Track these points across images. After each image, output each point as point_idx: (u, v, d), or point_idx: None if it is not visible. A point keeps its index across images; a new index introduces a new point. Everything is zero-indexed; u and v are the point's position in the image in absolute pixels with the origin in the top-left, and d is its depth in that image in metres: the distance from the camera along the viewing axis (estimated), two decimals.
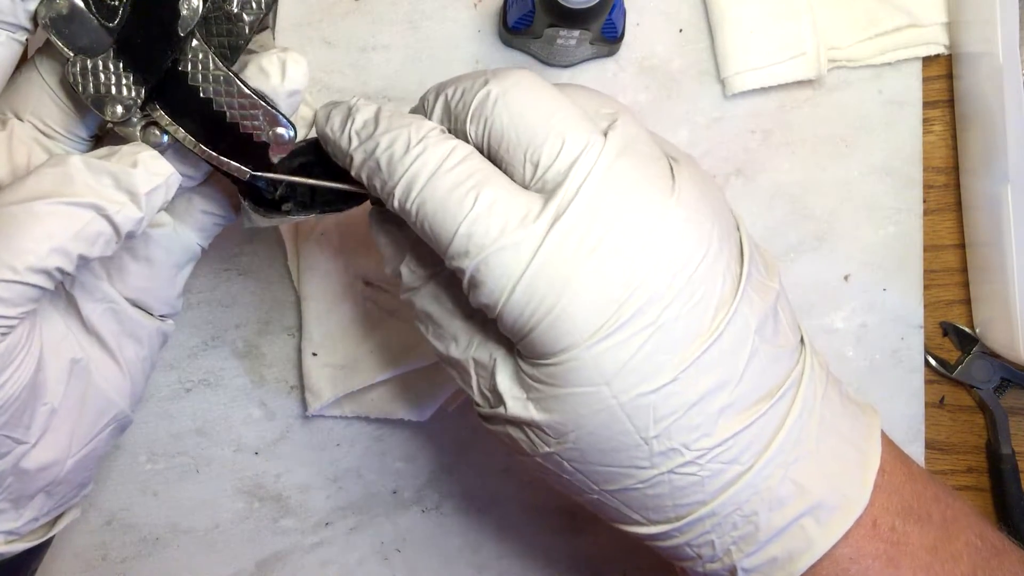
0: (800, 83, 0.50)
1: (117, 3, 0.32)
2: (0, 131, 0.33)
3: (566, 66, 0.50)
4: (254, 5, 0.33)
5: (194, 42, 0.32)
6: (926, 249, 0.51)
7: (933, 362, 0.51)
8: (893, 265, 0.50)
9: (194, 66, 0.32)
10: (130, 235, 0.32)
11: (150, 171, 0.32)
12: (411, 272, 0.34)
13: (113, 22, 0.32)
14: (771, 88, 0.50)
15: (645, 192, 0.30)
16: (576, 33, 0.45)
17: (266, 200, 0.36)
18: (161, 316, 0.39)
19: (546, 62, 0.50)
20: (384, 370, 0.48)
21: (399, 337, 0.48)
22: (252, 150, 0.34)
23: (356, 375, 0.48)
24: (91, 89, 0.32)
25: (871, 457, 0.33)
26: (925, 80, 0.51)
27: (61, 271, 0.30)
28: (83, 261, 0.31)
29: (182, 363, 0.50)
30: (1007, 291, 0.47)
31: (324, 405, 0.49)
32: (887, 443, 0.35)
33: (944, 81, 0.52)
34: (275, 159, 0.34)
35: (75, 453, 0.35)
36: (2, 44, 0.32)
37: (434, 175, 0.30)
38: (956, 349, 0.52)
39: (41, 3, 0.32)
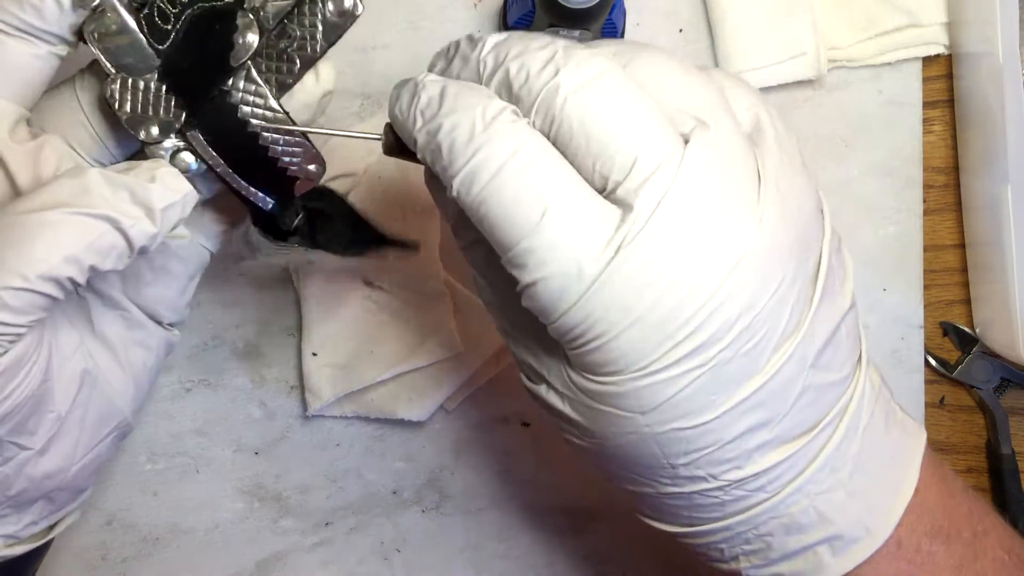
0: (800, 83, 0.50)
1: (170, 26, 0.32)
2: (30, 141, 0.32)
3: None
4: (309, 49, 0.32)
5: (251, 73, 0.32)
6: (926, 249, 0.51)
7: (933, 362, 0.51)
8: (893, 265, 0.50)
9: (246, 101, 0.32)
10: (143, 250, 0.31)
11: (168, 187, 0.31)
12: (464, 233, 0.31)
13: (163, 44, 0.32)
14: (771, 88, 0.50)
15: (723, 218, 0.27)
16: (576, 33, 0.45)
17: (276, 230, 0.36)
18: (169, 325, 0.39)
19: None
20: (384, 370, 0.48)
21: (399, 337, 0.48)
22: (279, 182, 0.34)
23: (356, 375, 0.48)
24: (128, 107, 0.32)
25: (905, 486, 0.32)
26: (925, 80, 0.51)
27: (72, 281, 0.30)
28: (94, 272, 0.30)
29: (182, 363, 0.50)
30: (1007, 291, 0.47)
31: (324, 405, 0.49)
32: (928, 461, 0.34)
33: (944, 81, 0.52)
34: (299, 193, 0.34)
35: (79, 460, 0.35)
36: (42, 58, 0.31)
37: (499, 172, 0.27)
38: (956, 349, 0.52)
39: (90, 17, 0.31)
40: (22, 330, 0.30)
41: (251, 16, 0.31)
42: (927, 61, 0.51)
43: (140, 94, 0.32)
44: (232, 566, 0.51)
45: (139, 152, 0.34)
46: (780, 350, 0.28)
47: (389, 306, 0.49)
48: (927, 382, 0.51)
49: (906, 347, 0.50)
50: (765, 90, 0.50)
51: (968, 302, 0.52)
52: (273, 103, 0.33)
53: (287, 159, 0.33)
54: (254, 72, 0.32)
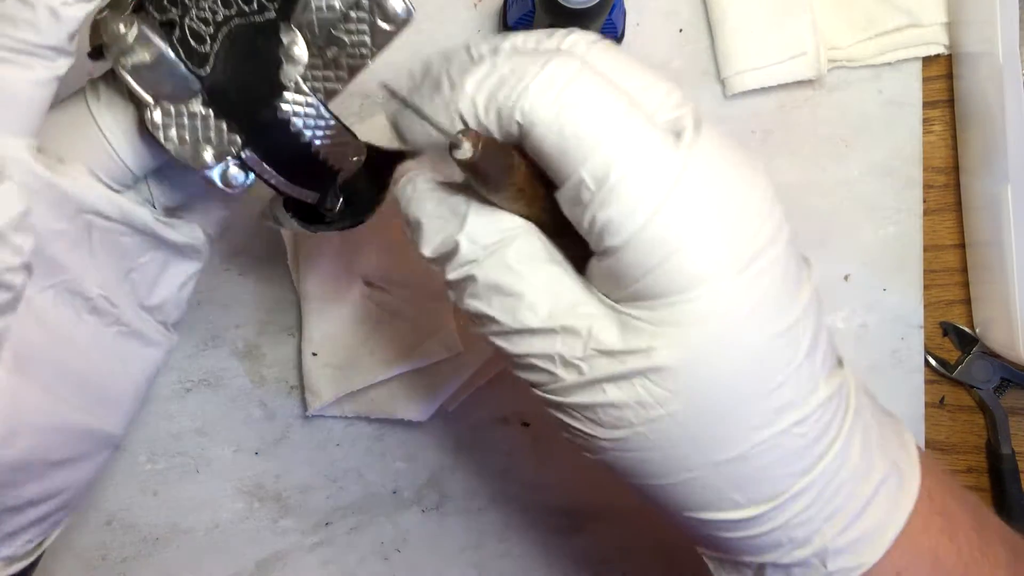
0: (800, 83, 0.50)
1: (206, 47, 0.30)
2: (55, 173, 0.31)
3: None
4: (359, 55, 0.31)
5: (299, 85, 0.31)
6: (926, 249, 0.51)
7: (933, 362, 0.51)
8: (893, 265, 0.50)
9: (296, 113, 0.31)
10: None
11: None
12: (472, 242, 0.30)
13: (203, 67, 0.30)
14: (771, 88, 0.50)
15: (740, 156, 0.30)
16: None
17: (314, 215, 0.35)
18: (171, 326, 0.39)
19: None
20: (384, 370, 0.48)
21: (399, 337, 0.48)
22: (324, 178, 0.33)
23: (356, 375, 0.48)
24: (175, 136, 0.31)
25: (909, 436, 0.35)
26: (925, 80, 0.51)
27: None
28: None
29: (182, 363, 0.50)
30: (1007, 291, 0.47)
31: (324, 405, 0.49)
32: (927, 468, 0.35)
33: (944, 81, 0.52)
34: (339, 182, 0.34)
35: (73, 486, 0.35)
36: (43, 84, 0.29)
37: (582, 72, 0.28)
38: (956, 349, 0.52)
39: (119, 49, 0.29)
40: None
41: (295, 30, 0.30)
42: (927, 61, 0.51)
43: (186, 121, 0.31)
44: (232, 566, 0.51)
45: (167, 165, 0.33)
46: (804, 274, 0.30)
47: (389, 306, 0.49)
48: (927, 382, 0.51)
49: (906, 347, 0.50)
50: (765, 90, 0.50)
51: (968, 302, 0.52)
52: (324, 112, 0.31)
53: (335, 159, 0.33)
54: (303, 83, 0.31)
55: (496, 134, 0.29)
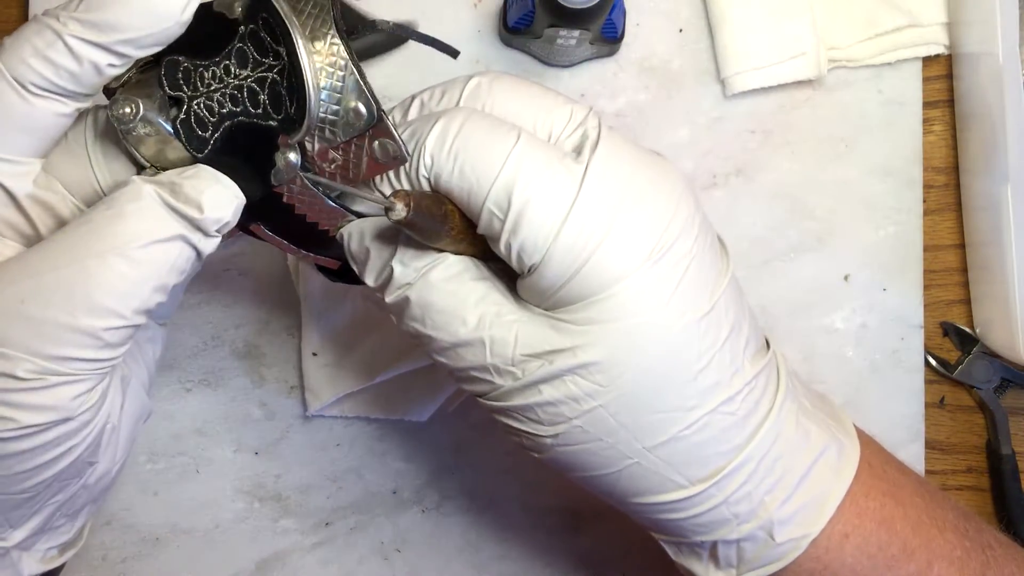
0: (800, 83, 0.50)
1: (207, 134, 0.31)
2: (49, 197, 0.32)
3: (566, 66, 0.50)
4: (351, 174, 0.31)
5: (304, 180, 0.32)
6: (926, 249, 0.51)
7: (933, 362, 0.51)
8: (893, 265, 0.50)
9: (290, 192, 0.32)
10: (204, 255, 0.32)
11: (218, 205, 0.31)
12: (404, 266, 0.32)
13: (201, 152, 0.31)
14: (771, 88, 0.50)
15: (643, 159, 0.32)
16: (576, 33, 0.45)
17: (343, 274, 0.37)
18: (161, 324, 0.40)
19: (546, 62, 0.50)
20: (384, 370, 0.48)
21: (399, 337, 0.48)
22: (320, 239, 0.34)
23: (356, 375, 0.48)
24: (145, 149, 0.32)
25: (845, 415, 0.37)
26: (925, 80, 0.51)
27: (159, 303, 0.31)
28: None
29: (182, 363, 0.50)
30: (1007, 291, 0.47)
31: (324, 405, 0.49)
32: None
33: (944, 81, 0.52)
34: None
35: (120, 459, 0.36)
36: (68, 115, 0.31)
37: (470, 119, 0.31)
38: (956, 349, 0.52)
39: (121, 118, 0.30)
40: (118, 360, 0.31)
41: (293, 141, 0.30)
42: (927, 61, 0.51)
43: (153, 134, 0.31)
44: (232, 566, 0.51)
45: None
46: (723, 263, 0.33)
47: None
48: (927, 382, 0.51)
49: (906, 347, 0.50)
50: (765, 90, 0.50)
51: (968, 302, 0.52)
52: (316, 194, 0.32)
53: (327, 224, 0.34)
54: (304, 178, 0.31)
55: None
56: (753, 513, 0.32)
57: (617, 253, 0.30)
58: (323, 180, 0.31)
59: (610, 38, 0.47)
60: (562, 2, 0.42)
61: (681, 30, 0.50)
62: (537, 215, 0.29)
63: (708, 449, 0.32)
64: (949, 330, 0.52)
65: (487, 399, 0.33)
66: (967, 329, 0.51)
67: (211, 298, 0.50)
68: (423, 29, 0.50)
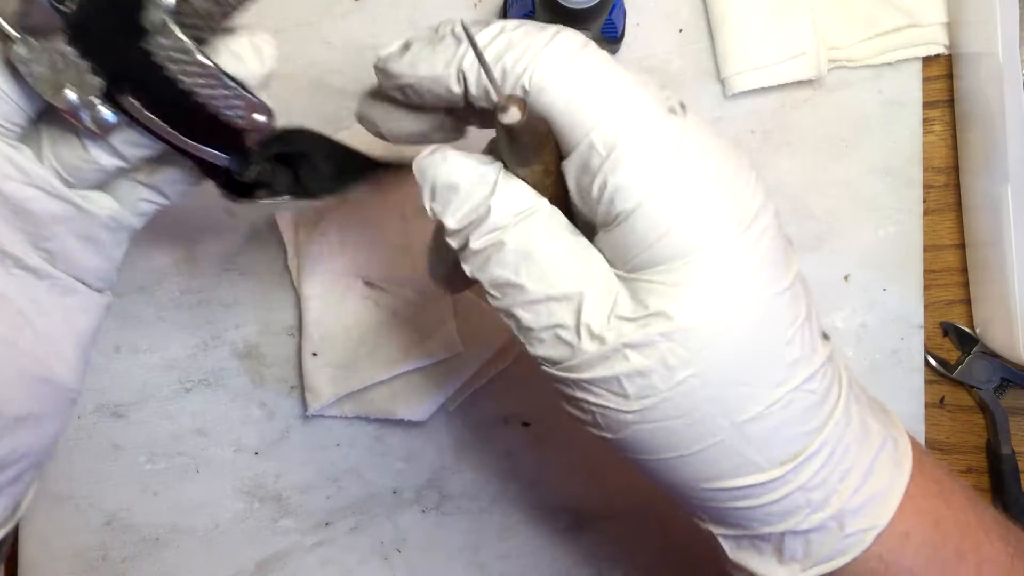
0: (800, 83, 0.50)
1: None
2: None
3: None
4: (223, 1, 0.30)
5: (174, 32, 0.30)
6: (926, 249, 0.51)
7: (933, 362, 0.51)
8: (893, 265, 0.50)
9: (172, 59, 0.30)
10: None
11: None
12: (503, 208, 0.30)
13: (67, 4, 0.29)
14: (771, 88, 0.50)
15: (722, 136, 0.32)
16: None
17: (236, 184, 0.35)
18: (98, 290, 0.38)
19: None
20: (384, 370, 0.48)
21: (399, 337, 0.48)
22: (229, 136, 0.33)
23: (356, 375, 0.48)
24: (37, 74, 0.30)
25: (891, 410, 0.36)
26: (925, 80, 0.51)
27: None
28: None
29: (182, 363, 0.50)
30: (1007, 291, 0.47)
31: (324, 405, 0.49)
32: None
33: (944, 81, 0.52)
34: (251, 144, 0.33)
35: (37, 443, 0.35)
36: None
37: (586, 49, 0.29)
38: (956, 349, 0.52)
39: None
40: None
41: None
42: (927, 61, 0.51)
43: (48, 58, 0.30)
44: (232, 566, 0.51)
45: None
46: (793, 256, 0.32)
47: (389, 306, 0.49)
48: (927, 382, 0.51)
49: (906, 347, 0.50)
50: (765, 90, 0.50)
51: (968, 302, 0.52)
52: (200, 57, 0.31)
53: (230, 112, 0.32)
54: (174, 28, 0.30)
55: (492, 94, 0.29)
56: (826, 501, 0.31)
57: (711, 215, 0.29)
58: (212, 31, 0.30)
59: (610, 38, 0.47)
60: (562, 2, 0.42)
61: (681, 30, 0.50)
62: (642, 159, 0.28)
63: (791, 429, 0.31)
64: (949, 330, 0.52)
65: (562, 369, 0.30)
66: (967, 329, 0.51)
67: (211, 298, 0.50)
68: (424, 30, 0.50)
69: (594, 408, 0.31)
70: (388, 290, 0.49)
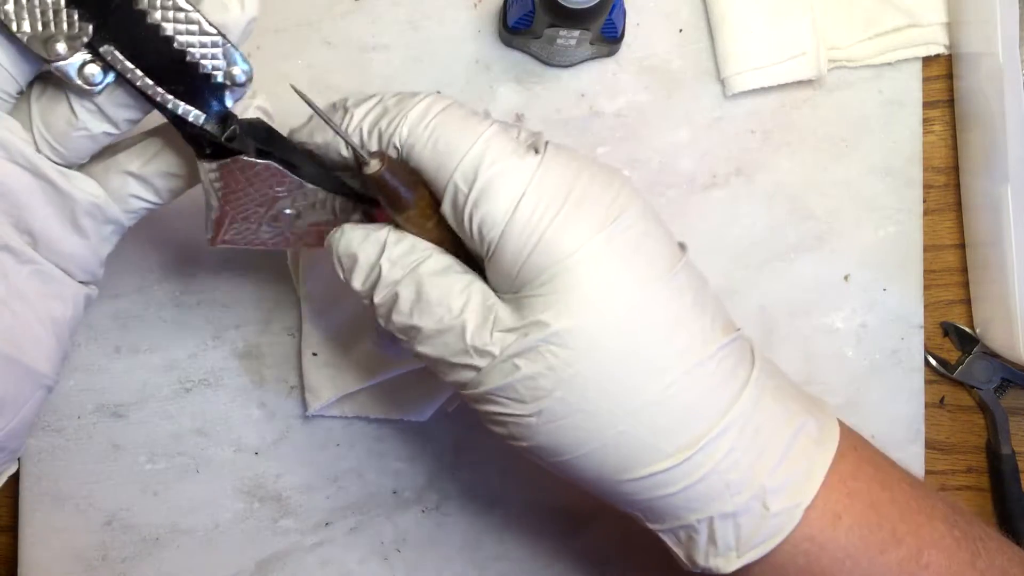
0: (800, 83, 0.50)
1: None
2: None
3: (566, 66, 0.50)
4: None
5: None
6: (926, 249, 0.51)
7: (933, 362, 0.51)
8: (893, 265, 0.50)
9: (153, 5, 0.31)
10: None
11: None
12: (393, 264, 0.34)
13: None
14: (771, 88, 0.50)
15: (588, 158, 0.35)
16: (576, 33, 0.45)
17: (213, 144, 0.34)
18: (82, 282, 0.38)
19: (546, 62, 0.50)
20: (384, 370, 0.48)
21: None
22: (206, 91, 0.33)
23: (356, 375, 0.48)
24: (27, 26, 0.30)
25: (820, 398, 0.38)
26: (925, 80, 0.51)
27: None
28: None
29: (182, 363, 0.50)
30: (1007, 291, 0.47)
31: (324, 405, 0.49)
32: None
33: (944, 81, 0.52)
34: (230, 103, 0.34)
35: (4, 427, 0.35)
36: None
37: (451, 104, 0.34)
38: (956, 349, 0.52)
39: None
40: None
41: None
42: (927, 61, 0.51)
43: (38, 10, 0.30)
44: (232, 566, 0.51)
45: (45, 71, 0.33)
46: (676, 251, 0.35)
47: None
48: (927, 382, 0.51)
49: (906, 347, 0.50)
50: (765, 90, 0.50)
51: (968, 302, 0.52)
52: (182, 3, 0.31)
53: (209, 65, 0.32)
54: None
55: None
56: (744, 482, 0.33)
57: (570, 225, 0.32)
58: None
59: (610, 38, 0.47)
60: (562, 2, 0.42)
61: (681, 30, 0.50)
62: (498, 190, 0.32)
63: (690, 413, 0.33)
64: (949, 330, 0.52)
65: (469, 389, 0.34)
66: (967, 329, 0.51)
67: (211, 298, 0.50)
68: (425, 30, 0.50)
69: (504, 418, 0.34)
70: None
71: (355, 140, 0.34)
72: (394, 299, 0.34)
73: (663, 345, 0.32)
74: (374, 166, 0.32)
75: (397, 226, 0.35)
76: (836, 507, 0.34)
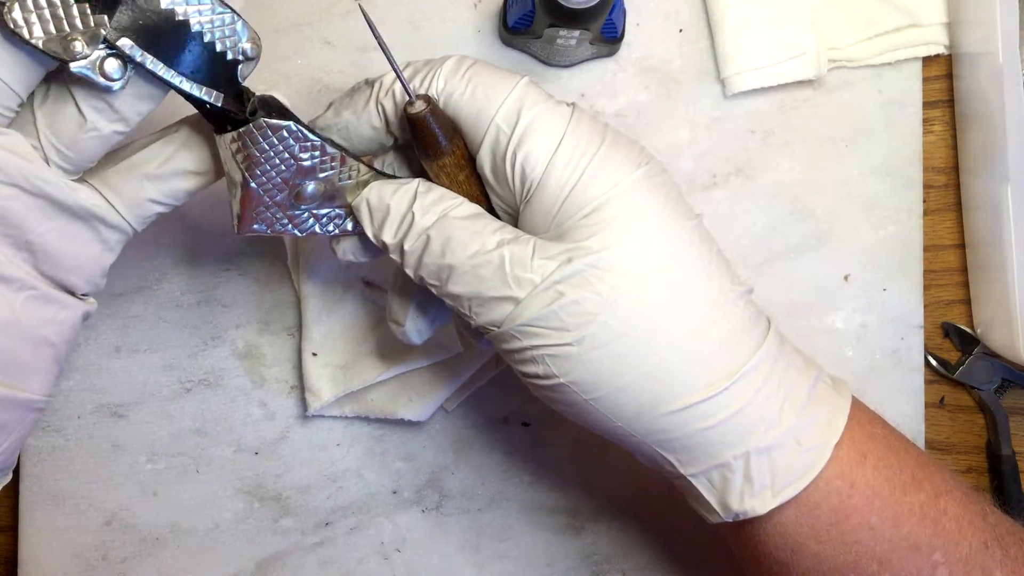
0: (800, 83, 0.50)
1: None
2: None
3: (566, 66, 0.50)
4: None
5: None
6: (926, 249, 0.51)
7: (934, 362, 0.51)
8: (893, 265, 0.50)
9: None
10: None
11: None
12: (424, 211, 0.35)
13: None
14: (771, 88, 0.50)
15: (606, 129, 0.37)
16: (576, 33, 0.45)
17: (234, 121, 0.34)
18: (83, 295, 0.37)
19: (546, 62, 0.50)
20: (384, 370, 0.48)
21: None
22: (221, 71, 0.33)
23: (356, 375, 0.48)
24: (40, 31, 0.29)
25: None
26: (925, 80, 0.51)
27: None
28: None
29: (182, 363, 0.50)
30: (1007, 291, 0.47)
31: (324, 405, 0.49)
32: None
33: (944, 81, 0.52)
34: (243, 79, 0.34)
35: None
36: None
37: (477, 62, 0.35)
38: (957, 350, 0.52)
39: None
40: None
41: None
42: (927, 61, 0.51)
43: (48, 12, 0.29)
44: (232, 566, 0.51)
45: (55, 72, 0.32)
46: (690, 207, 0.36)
47: None
48: (927, 382, 0.51)
49: (906, 347, 0.50)
50: (765, 90, 0.50)
51: (968, 302, 0.52)
52: None
53: (226, 43, 0.32)
54: None
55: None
56: (779, 416, 0.34)
57: (609, 163, 0.33)
58: None
59: (610, 38, 0.47)
60: (562, 2, 0.42)
61: (681, 30, 0.50)
62: (540, 130, 0.33)
63: (726, 345, 0.33)
64: (949, 330, 0.52)
65: (506, 325, 0.34)
66: (967, 329, 0.51)
67: (211, 298, 0.50)
68: (425, 30, 0.50)
69: (541, 351, 0.33)
70: (388, 290, 0.49)
71: (398, 87, 0.35)
72: (426, 242, 0.34)
73: (702, 277, 0.34)
74: (419, 106, 0.33)
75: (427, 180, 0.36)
76: (861, 447, 0.35)
